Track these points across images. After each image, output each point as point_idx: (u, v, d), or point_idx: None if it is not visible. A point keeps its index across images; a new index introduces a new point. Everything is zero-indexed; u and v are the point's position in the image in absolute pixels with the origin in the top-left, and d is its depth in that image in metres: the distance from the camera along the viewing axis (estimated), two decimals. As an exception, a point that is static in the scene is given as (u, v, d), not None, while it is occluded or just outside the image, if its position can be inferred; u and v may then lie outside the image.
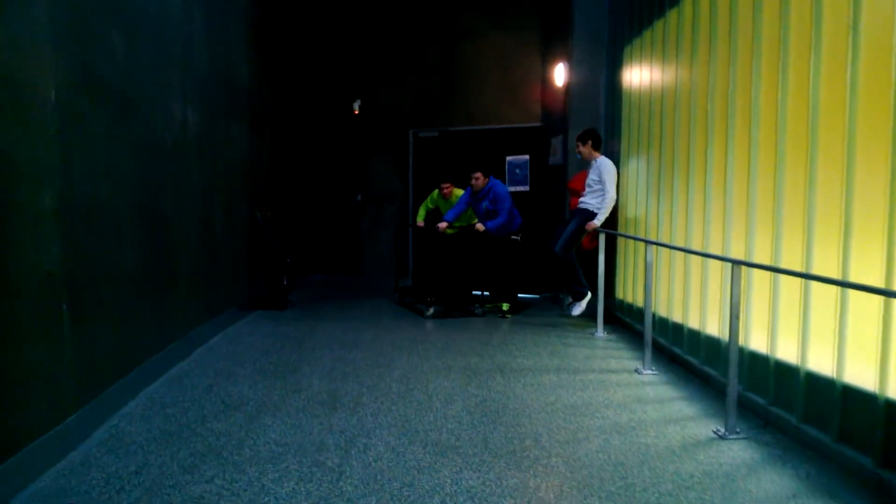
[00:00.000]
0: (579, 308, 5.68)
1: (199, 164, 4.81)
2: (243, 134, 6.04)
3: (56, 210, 2.82)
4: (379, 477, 2.68)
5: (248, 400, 3.68)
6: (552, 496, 2.54)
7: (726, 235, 3.77)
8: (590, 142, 5.58)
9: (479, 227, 6.22)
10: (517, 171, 7.97)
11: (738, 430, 3.17)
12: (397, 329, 5.72)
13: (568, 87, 6.66)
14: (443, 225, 6.29)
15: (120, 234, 3.49)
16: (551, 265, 6.28)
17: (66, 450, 2.87)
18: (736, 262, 3.10)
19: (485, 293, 6.63)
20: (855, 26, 2.71)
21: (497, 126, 8.14)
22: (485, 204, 6.32)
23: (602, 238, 5.34)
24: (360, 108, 8.75)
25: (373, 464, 2.82)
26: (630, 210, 5.64)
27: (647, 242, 4.21)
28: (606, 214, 5.49)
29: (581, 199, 5.69)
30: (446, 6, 8.39)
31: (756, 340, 3.47)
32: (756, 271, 3.42)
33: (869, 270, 2.61)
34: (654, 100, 5.00)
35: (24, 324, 2.59)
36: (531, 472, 2.76)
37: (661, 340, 4.61)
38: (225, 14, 5.50)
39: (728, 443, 3.09)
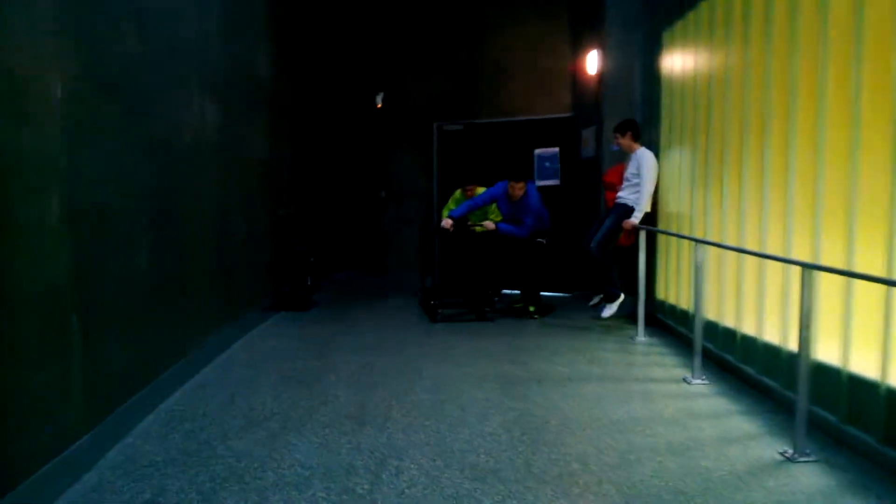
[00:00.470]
0: (610, 310, 5.39)
1: (217, 162, 4.60)
2: (263, 130, 5.82)
3: (62, 216, 2.61)
4: (414, 508, 2.44)
5: (272, 414, 3.46)
6: (608, 533, 2.27)
7: (787, 235, 3.43)
8: (629, 132, 5.25)
9: (489, 225, 5.91)
10: (546, 164, 7.65)
11: (807, 451, 2.86)
12: (423, 332, 5.47)
13: (601, 76, 6.33)
14: (448, 223, 5.86)
15: (132, 239, 3.28)
16: (585, 264, 5.98)
17: (77, 474, 2.67)
18: (808, 266, 2.78)
19: (513, 292, 6.32)
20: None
21: (525, 118, 7.82)
22: (512, 211, 5.99)
23: (642, 235, 5.02)
24: (382, 101, 8.50)
25: (406, 491, 2.58)
26: (672, 205, 5.30)
27: (697, 241, 3.88)
28: (645, 210, 5.17)
29: (619, 193, 5.37)
30: (471, -6, 8.08)
31: (823, 351, 3.14)
32: (822, 274, 3.09)
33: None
34: (700, 86, 4.65)
35: (27, 341, 2.38)
36: (581, 501, 2.49)
37: (710, 346, 4.29)
38: (243, 5, 5.27)
39: (798, 466, 2.78)
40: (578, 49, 7.24)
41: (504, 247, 6.10)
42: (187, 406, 3.57)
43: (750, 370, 3.82)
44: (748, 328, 3.87)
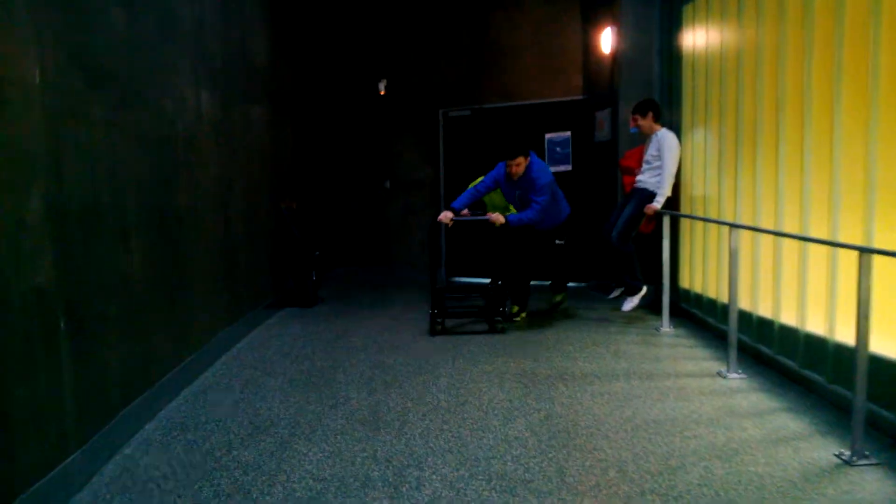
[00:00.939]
0: (631, 303, 5.11)
1: (216, 154, 4.34)
2: (263, 119, 5.56)
3: (46, 214, 2.37)
4: (440, 527, 2.21)
5: (280, 419, 3.23)
6: (659, 553, 2.03)
7: (833, 217, 3.17)
8: (651, 113, 4.96)
9: (498, 218, 5.00)
10: (557, 149, 7.36)
11: (866, 452, 2.61)
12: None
13: (616, 55, 6.03)
14: (447, 216, 5.01)
15: (126, 238, 3.03)
16: (605, 254, 5.69)
17: (70, 492, 2.44)
18: (866, 251, 2.52)
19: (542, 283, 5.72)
20: None
21: (534, 101, 7.51)
22: (518, 193, 5.16)
23: (665, 221, 4.75)
24: (385, 88, 8.21)
25: (430, 506, 2.34)
26: (697, 188, 5.03)
27: (733, 226, 3.61)
28: (667, 194, 4.90)
29: (638, 177, 5.09)
30: (476, -26, 7.77)
31: (878, 342, 2.88)
32: (877, 259, 2.81)
33: None
34: (728, 64, 4.37)
35: (8, 347, 2.14)
36: (625, 516, 2.25)
37: (743, 337, 4.03)
38: (239, -14, 4.99)
39: (858, 470, 2.53)
40: (591, 27, 6.93)
41: (519, 243, 5.33)
42: (189, 413, 3.34)
43: (790, 363, 3.56)
44: (787, 318, 3.62)
